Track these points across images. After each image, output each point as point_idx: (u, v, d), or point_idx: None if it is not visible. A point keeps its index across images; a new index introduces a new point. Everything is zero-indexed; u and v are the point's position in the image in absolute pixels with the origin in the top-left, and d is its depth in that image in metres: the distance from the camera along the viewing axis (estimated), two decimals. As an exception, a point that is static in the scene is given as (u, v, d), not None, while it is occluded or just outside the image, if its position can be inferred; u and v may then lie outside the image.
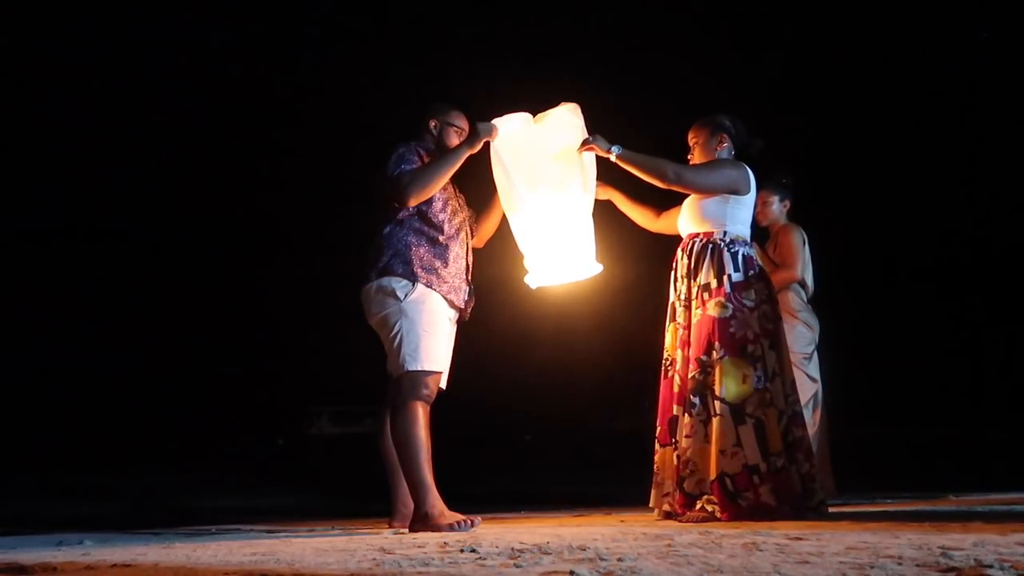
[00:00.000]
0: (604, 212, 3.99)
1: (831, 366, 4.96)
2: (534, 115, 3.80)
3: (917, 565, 1.92)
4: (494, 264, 4.14)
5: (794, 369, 4.19)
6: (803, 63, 9.56)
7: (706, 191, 3.78)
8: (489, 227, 3.93)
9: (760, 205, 4.91)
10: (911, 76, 9.67)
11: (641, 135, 3.96)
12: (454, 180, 3.76)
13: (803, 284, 4.91)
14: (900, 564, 1.94)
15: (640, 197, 4.05)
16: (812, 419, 4.63)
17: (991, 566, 1.86)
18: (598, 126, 3.80)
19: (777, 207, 4.95)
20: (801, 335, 4.77)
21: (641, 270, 5.02)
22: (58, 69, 9.13)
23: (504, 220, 3.82)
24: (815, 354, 4.88)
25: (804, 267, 4.89)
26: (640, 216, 4.08)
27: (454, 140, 3.75)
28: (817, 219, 5.17)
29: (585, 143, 3.68)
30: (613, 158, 3.70)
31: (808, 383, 4.68)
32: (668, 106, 8.08)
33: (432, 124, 3.79)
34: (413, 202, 3.55)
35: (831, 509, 3.63)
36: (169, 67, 9.61)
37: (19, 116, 9.19)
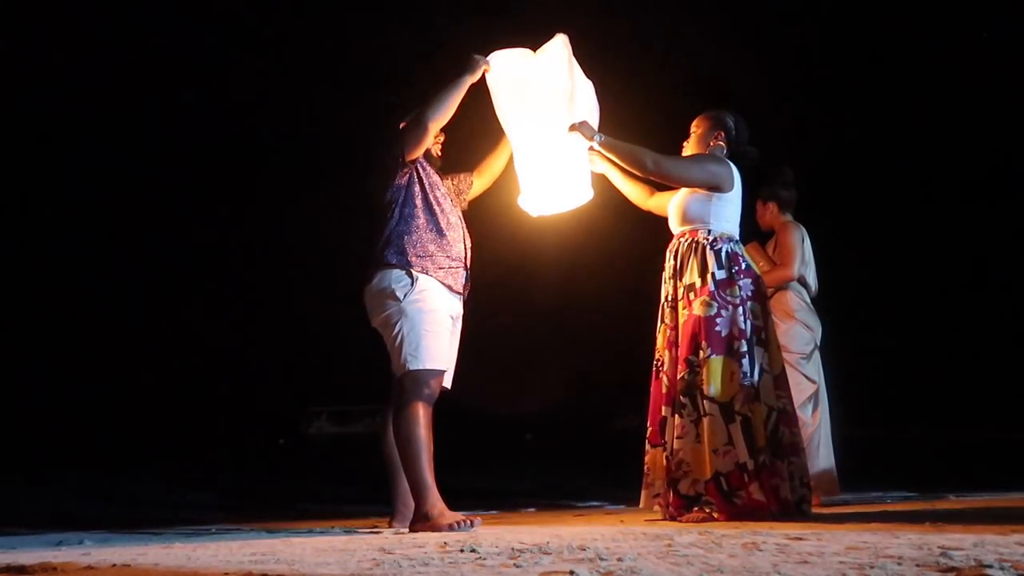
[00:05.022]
0: (603, 213, 3.99)
1: (834, 366, 4.93)
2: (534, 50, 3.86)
3: (917, 565, 1.92)
4: (496, 264, 4.14)
5: (791, 369, 4.17)
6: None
7: (685, 183, 3.79)
8: (496, 164, 3.99)
9: (760, 212, 4.90)
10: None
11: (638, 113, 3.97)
12: (437, 166, 3.82)
13: (804, 283, 4.87)
14: (900, 564, 1.94)
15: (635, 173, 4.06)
16: (811, 419, 4.61)
17: (991, 566, 1.86)
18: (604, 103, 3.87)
19: (774, 212, 4.93)
20: (799, 335, 4.72)
21: (641, 268, 5.01)
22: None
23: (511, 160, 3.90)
24: (815, 354, 4.82)
25: (804, 265, 4.84)
26: (633, 192, 4.07)
27: None
28: (818, 218, 5.13)
29: (571, 127, 3.71)
30: (596, 146, 3.74)
31: (806, 383, 4.64)
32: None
33: (403, 127, 3.80)
34: (435, 127, 3.63)
35: (833, 509, 3.63)
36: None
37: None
